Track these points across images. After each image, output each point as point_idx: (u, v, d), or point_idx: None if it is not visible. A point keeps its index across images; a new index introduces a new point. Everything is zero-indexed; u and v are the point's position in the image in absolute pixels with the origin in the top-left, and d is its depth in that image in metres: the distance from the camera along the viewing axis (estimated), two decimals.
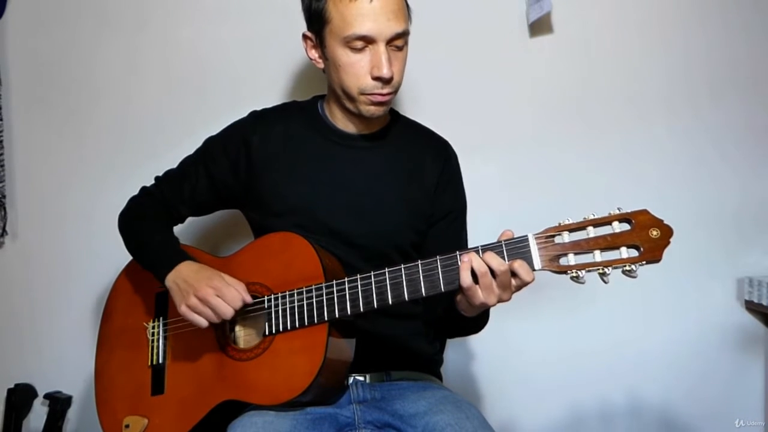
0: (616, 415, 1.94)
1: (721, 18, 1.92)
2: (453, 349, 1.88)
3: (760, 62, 1.93)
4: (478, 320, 1.42)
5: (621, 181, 1.90)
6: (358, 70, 1.37)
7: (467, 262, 1.20)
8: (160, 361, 1.46)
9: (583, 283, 1.16)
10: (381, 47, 1.35)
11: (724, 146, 1.93)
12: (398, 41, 1.37)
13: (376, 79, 1.36)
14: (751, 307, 1.93)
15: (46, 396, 1.89)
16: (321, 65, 1.45)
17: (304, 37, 1.46)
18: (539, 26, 1.86)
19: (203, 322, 1.34)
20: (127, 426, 1.43)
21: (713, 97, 1.92)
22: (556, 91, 1.90)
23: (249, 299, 1.35)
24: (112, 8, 1.87)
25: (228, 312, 1.32)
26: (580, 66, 1.90)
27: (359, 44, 1.35)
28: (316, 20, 1.39)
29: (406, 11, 1.39)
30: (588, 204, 1.84)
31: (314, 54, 1.45)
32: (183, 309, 1.35)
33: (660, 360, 1.94)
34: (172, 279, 1.39)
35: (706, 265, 1.92)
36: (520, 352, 1.92)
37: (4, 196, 1.87)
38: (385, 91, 1.38)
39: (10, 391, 1.88)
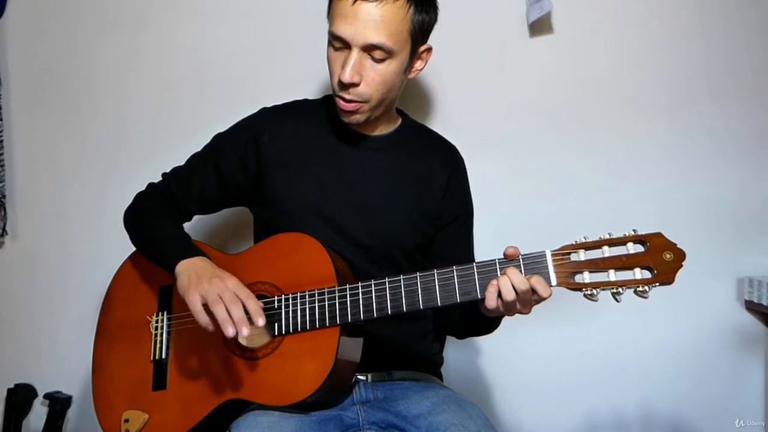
0: (617, 415, 1.94)
1: (721, 18, 1.91)
2: (454, 348, 1.88)
3: (760, 62, 1.93)
4: (493, 322, 1.43)
5: (621, 182, 1.90)
6: (332, 68, 1.38)
7: (495, 285, 1.20)
8: (163, 356, 1.44)
9: (596, 300, 1.19)
10: (353, 52, 1.34)
11: (724, 146, 1.93)
12: (375, 52, 1.34)
13: (339, 81, 1.36)
14: (751, 307, 1.93)
15: (46, 396, 1.89)
16: None
17: None
18: (539, 26, 1.86)
19: (206, 321, 1.26)
20: (126, 420, 1.41)
21: (713, 97, 1.92)
22: (556, 91, 1.90)
23: (260, 306, 1.28)
24: (112, 8, 1.87)
25: (237, 311, 1.25)
26: (580, 66, 1.90)
27: (337, 44, 1.36)
28: (327, 13, 1.41)
29: (402, 26, 1.35)
30: (588, 204, 1.87)
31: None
32: (189, 292, 1.28)
33: (660, 360, 1.94)
34: (183, 267, 1.34)
35: (706, 265, 1.92)
36: (521, 353, 1.92)
37: (4, 196, 1.87)
38: (348, 96, 1.37)
39: (10, 391, 1.88)
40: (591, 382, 1.93)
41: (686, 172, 1.93)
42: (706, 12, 1.91)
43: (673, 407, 1.95)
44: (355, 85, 1.35)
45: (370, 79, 1.36)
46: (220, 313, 1.25)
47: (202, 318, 1.27)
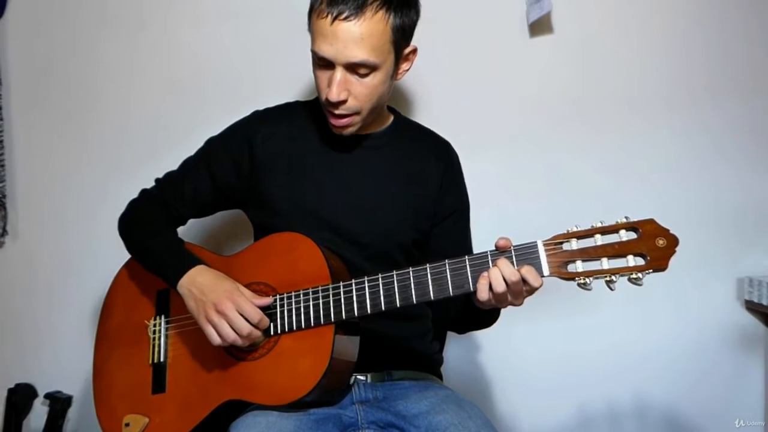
0: (617, 415, 1.94)
1: (720, 18, 1.91)
2: (454, 348, 1.88)
3: (760, 62, 1.93)
4: (491, 314, 1.43)
5: (621, 181, 1.90)
6: (319, 85, 1.38)
7: (486, 278, 1.21)
8: (162, 359, 1.45)
9: (590, 289, 1.18)
10: (337, 70, 1.33)
11: (725, 146, 1.93)
12: (360, 69, 1.34)
13: (326, 99, 1.36)
14: (751, 307, 1.93)
15: (46, 396, 1.89)
16: None
17: None
18: (539, 26, 1.86)
19: (217, 339, 1.32)
20: (127, 424, 1.42)
21: (713, 97, 1.92)
22: (556, 91, 1.90)
23: (266, 320, 1.33)
24: (112, 8, 1.87)
25: (245, 328, 1.31)
26: (580, 66, 1.90)
27: (321, 62, 1.36)
28: (308, 29, 1.40)
29: (383, 38, 1.33)
30: (588, 204, 1.87)
31: None
32: (201, 320, 1.34)
33: (660, 360, 1.94)
34: (185, 285, 1.38)
35: (706, 265, 1.92)
36: (521, 352, 1.92)
37: (4, 196, 1.87)
38: (337, 112, 1.37)
39: (10, 391, 1.88)
40: (591, 381, 1.93)
41: (686, 172, 1.93)
42: (706, 12, 1.91)
43: (673, 407, 1.95)
44: (342, 102, 1.36)
45: (358, 92, 1.36)
46: (239, 342, 1.33)
47: (223, 344, 1.34)
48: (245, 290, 1.35)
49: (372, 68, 1.34)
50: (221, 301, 1.32)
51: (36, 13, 1.87)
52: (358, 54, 1.31)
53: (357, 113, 1.39)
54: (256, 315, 1.32)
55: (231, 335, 1.31)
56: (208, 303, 1.33)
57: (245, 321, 1.31)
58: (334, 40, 1.31)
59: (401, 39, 1.37)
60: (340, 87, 1.34)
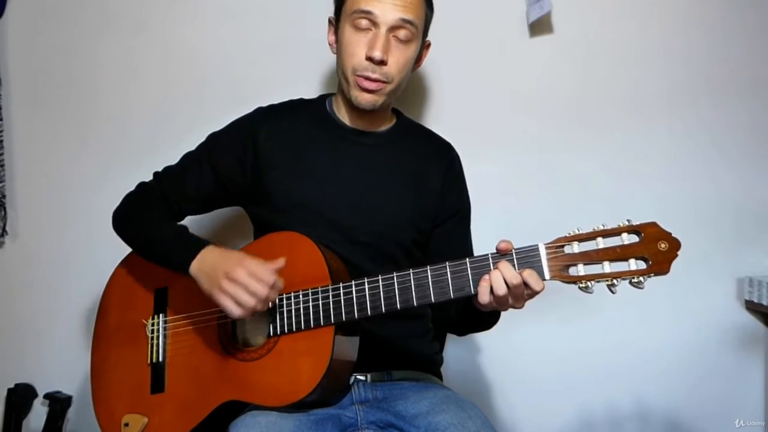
0: (617, 415, 1.94)
1: (721, 18, 1.92)
2: (454, 348, 1.88)
3: (761, 62, 1.93)
4: (491, 316, 1.43)
5: (621, 181, 1.90)
6: (355, 48, 1.40)
7: (487, 281, 1.21)
8: (160, 359, 1.45)
9: (591, 293, 1.18)
10: (382, 30, 1.38)
11: (725, 146, 1.93)
12: (402, 31, 1.40)
13: (369, 59, 1.38)
14: (751, 307, 1.93)
15: (46, 396, 1.88)
16: (335, 50, 1.49)
17: (329, 21, 1.50)
18: (539, 26, 1.86)
19: (236, 310, 1.27)
20: (126, 424, 1.42)
21: (714, 97, 1.92)
22: (556, 91, 1.90)
23: (281, 282, 1.29)
24: (112, 8, 1.87)
25: (261, 291, 1.26)
26: (580, 66, 1.90)
27: (363, 23, 1.39)
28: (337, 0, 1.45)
29: (422, 10, 1.43)
30: (588, 204, 1.87)
31: (331, 38, 1.49)
32: (216, 293, 1.29)
33: (660, 360, 1.94)
34: (197, 267, 1.34)
35: (706, 265, 1.92)
36: (521, 352, 1.92)
37: (4, 196, 1.87)
38: (374, 75, 1.39)
39: (10, 391, 1.88)
40: (591, 381, 1.93)
41: (686, 172, 1.93)
42: (706, 12, 1.91)
43: (673, 407, 1.95)
44: (384, 63, 1.39)
45: (395, 59, 1.40)
46: (258, 307, 1.28)
47: (244, 314, 1.29)
48: (255, 258, 1.31)
49: (412, 34, 1.41)
50: (232, 268, 1.28)
51: (36, 13, 1.87)
52: (408, 13, 1.39)
53: (388, 82, 1.42)
54: (270, 276, 1.27)
55: (249, 301, 1.26)
56: (220, 274, 1.29)
57: (259, 284, 1.26)
58: None
59: (426, 26, 1.48)
60: (386, 46, 1.38)
